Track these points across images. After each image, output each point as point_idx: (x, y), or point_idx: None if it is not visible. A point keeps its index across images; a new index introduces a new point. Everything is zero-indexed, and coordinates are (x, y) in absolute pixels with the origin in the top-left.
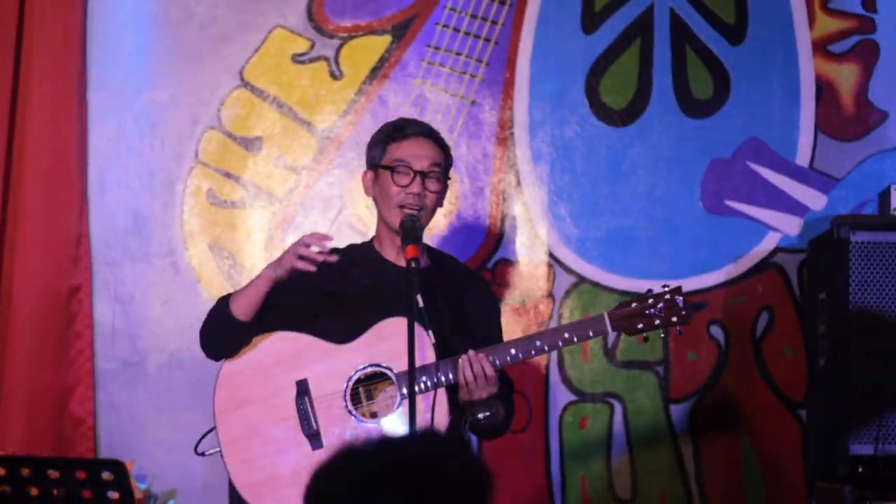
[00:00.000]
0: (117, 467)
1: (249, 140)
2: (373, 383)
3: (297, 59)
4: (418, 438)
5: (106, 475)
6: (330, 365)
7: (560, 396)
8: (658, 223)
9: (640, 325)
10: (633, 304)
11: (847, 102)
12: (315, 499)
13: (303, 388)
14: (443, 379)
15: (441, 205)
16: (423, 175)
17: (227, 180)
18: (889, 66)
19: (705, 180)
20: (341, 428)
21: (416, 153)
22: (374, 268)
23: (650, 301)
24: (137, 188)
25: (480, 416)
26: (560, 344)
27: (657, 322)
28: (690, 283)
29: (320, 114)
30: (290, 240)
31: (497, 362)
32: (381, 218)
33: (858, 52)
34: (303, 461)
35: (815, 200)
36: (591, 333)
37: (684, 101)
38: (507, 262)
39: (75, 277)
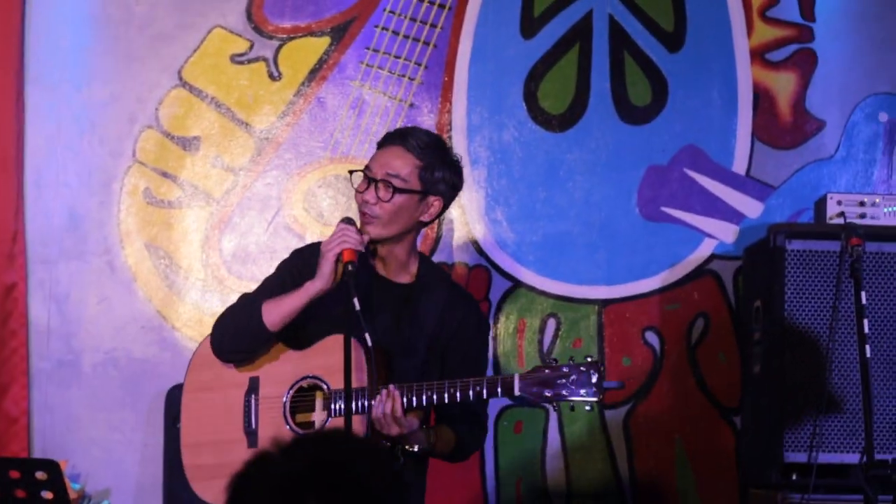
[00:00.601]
0: (51, 467)
1: (187, 140)
2: (312, 395)
3: (236, 59)
4: (329, 441)
5: (40, 475)
6: (280, 368)
7: (496, 401)
8: (595, 228)
9: (549, 394)
10: (546, 371)
11: (784, 111)
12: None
13: (253, 385)
14: (363, 405)
15: (421, 218)
16: (376, 182)
17: (164, 180)
18: (826, 75)
19: (642, 186)
20: (275, 432)
21: (380, 160)
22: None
23: (564, 370)
24: (74, 186)
25: (415, 449)
26: (471, 395)
27: (564, 393)
28: (626, 289)
29: (258, 114)
30: (227, 240)
31: (414, 401)
32: None
33: (796, 61)
34: (236, 456)
35: (751, 208)
36: (499, 391)
37: (622, 107)
38: (444, 266)
39: (10, 275)
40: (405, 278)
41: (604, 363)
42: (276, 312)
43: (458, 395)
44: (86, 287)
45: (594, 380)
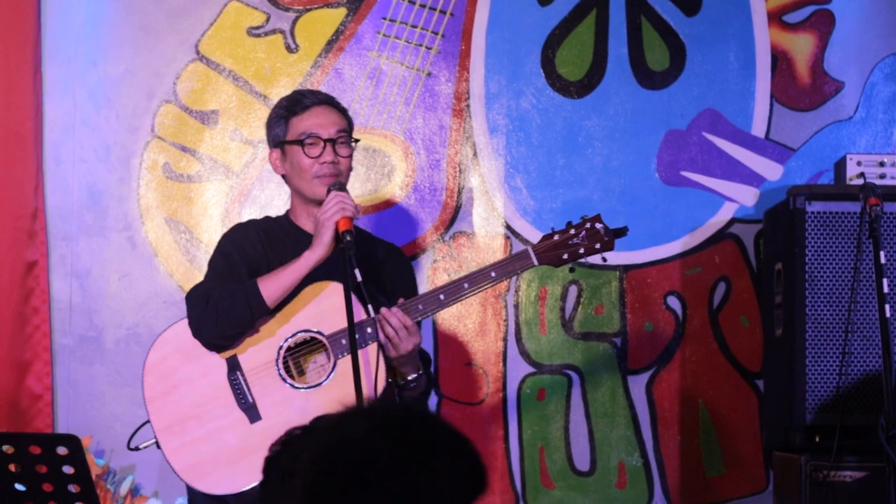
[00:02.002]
0: (72, 442)
1: (205, 114)
2: (303, 349)
3: (253, 32)
4: (361, 418)
5: (61, 450)
6: (257, 337)
7: (518, 369)
8: (614, 194)
9: (566, 256)
10: (556, 236)
11: (802, 73)
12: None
13: (233, 364)
14: (370, 332)
15: (351, 168)
16: (333, 142)
17: (183, 154)
18: (844, 36)
19: (661, 151)
20: (278, 396)
21: (320, 122)
22: (293, 240)
23: (572, 231)
24: (93, 162)
25: (410, 377)
26: (486, 283)
27: (581, 251)
28: (647, 255)
29: (276, 87)
30: (247, 213)
31: (426, 310)
32: (296, 193)
33: (814, 23)
34: (244, 434)
35: (771, 171)
36: (517, 269)
37: (640, 72)
38: (464, 234)
39: (31, 252)
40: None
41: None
42: (275, 288)
43: (472, 288)
44: (107, 263)
45: (600, 229)
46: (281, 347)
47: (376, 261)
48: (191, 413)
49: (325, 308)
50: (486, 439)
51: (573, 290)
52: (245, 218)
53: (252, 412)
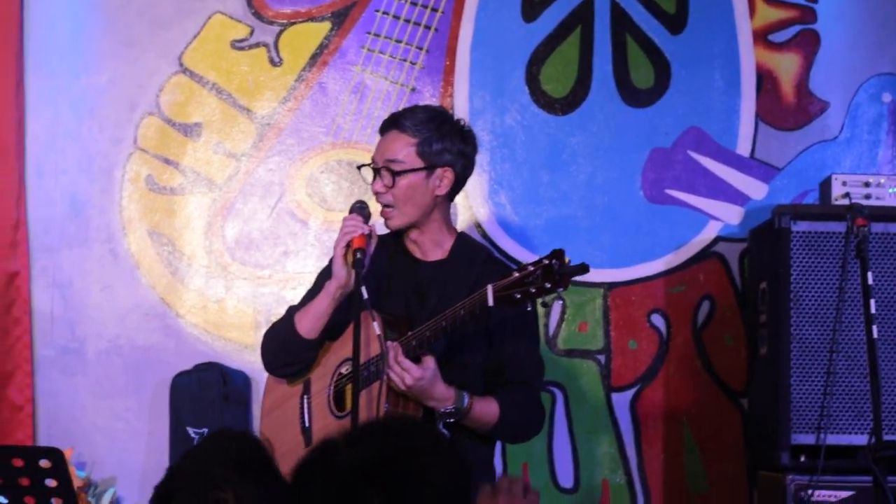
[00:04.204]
0: (55, 455)
1: (188, 126)
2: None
3: (237, 45)
4: (395, 431)
5: (43, 463)
6: (323, 363)
7: None
8: (598, 212)
9: (518, 296)
10: (515, 274)
11: (788, 92)
12: (297, 494)
13: (306, 387)
14: (375, 369)
15: (437, 193)
16: (379, 172)
17: (166, 166)
18: (830, 56)
19: (646, 169)
20: (323, 422)
21: (379, 149)
22: (399, 261)
23: (530, 269)
24: (75, 173)
25: (443, 410)
26: (458, 321)
27: (532, 290)
28: (631, 272)
29: (260, 100)
30: (230, 226)
31: (417, 345)
32: None
33: (799, 42)
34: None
35: (755, 190)
36: (476, 308)
37: (625, 89)
38: None
39: (13, 263)
40: (437, 255)
41: (563, 261)
42: (305, 319)
43: (446, 324)
44: (89, 274)
45: (555, 267)
46: (334, 373)
47: (471, 278)
48: (278, 431)
49: (368, 336)
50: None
51: (557, 307)
52: (227, 230)
53: (307, 436)
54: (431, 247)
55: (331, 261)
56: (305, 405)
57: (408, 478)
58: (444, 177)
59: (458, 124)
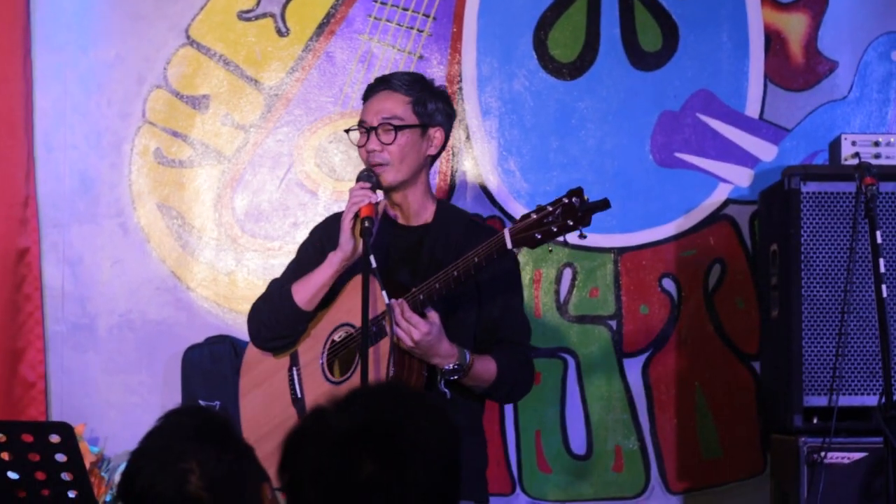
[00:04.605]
0: (64, 430)
1: (196, 98)
2: (349, 342)
3: (243, 16)
4: (385, 396)
5: (53, 438)
6: (313, 333)
7: None
8: (608, 176)
9: (538, 236)
10: (533, 216)
11: (796, 52)
12: (288, 463)
13: (294, 359)
14: (384, 323)
15: (428, 153)
16: (374, 130)
17: (174, 139)
18: (838, 15)
19: (655, 133)
20: (320, 391)
21: (371, 109)
22: (381, 226)
23: (549, 208)
24: (84, 148)
25: (446, 367)
26: (472, 269)
27: (554, 229)
28: (641, 237)
29: (267, 71)
30: (239, 198)
31: (424, 299)
32: None
33: (807, 2)
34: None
35: (765, 151)
36: (494, 253)
37: (633, 53)
38: None
39: (23, 240)
40: (422, 220)
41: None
42: (304, 291)
43: (458, 274)
44: (99, 249)
45: (576, 204)
46: (327, 341)
47: (458, 240)
48: (264, 407)
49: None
50: (484, 422)
51: (568, 272)
52: (237, 202)
53: (299, 406)
54: (416, 211)
55: (312, 232)
56: (296, 377)
57: (399, 442)
58: (436, 136)
59: (441, 87)
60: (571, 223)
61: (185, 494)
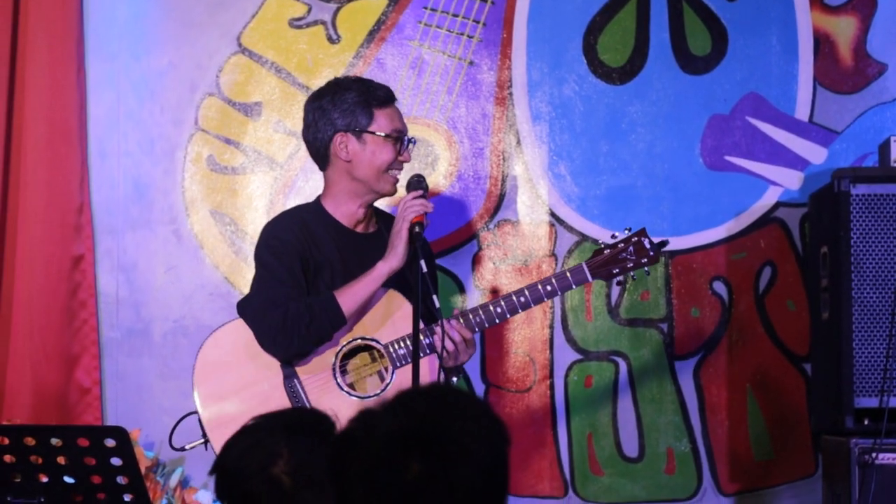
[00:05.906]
0: (120, 434)
1: (248, 106)
2: (356, 357)
3: (295, 23)
4: (434, 399)
5: (109, 442)
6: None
7: (565, 356)
8: (658, 180)
9: (616, 270)
10: (606, 251)
11: (845, 55)
12: (336, 464)
13: (289, 371)
14: (427, 342)
15: None
16: (411, 141)
17: (227, 146)
18: (887, 18)
19: (705, 136)
20: (334, 404)
21: (401, 120)
22: (331, 231)
23: (621, 245)
24: (138, 155)
25: (454, 380)
26: (543, 296)
27: (630, 265)
28: (691, 240)
29: (319, 78)
30: (292, 204)
31: (484, 322)
32: (353, 181)
33: (856, 5)
34: None
35: (815, 154)
36: (573, 284)
37: (682, 57)
38: (509, 223)
39: (78, 247)
40: (372, 227)
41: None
42: (352, 302)
43: (529, 301)
44: (153, 256)
45: (646, 245)
46: (337, 354)
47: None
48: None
49: (378, 316)
50: (534, 427)
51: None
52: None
53: None
54: (370, 218)
55: (279, 237)
56: (299, 388)
57: (447, 443)
58: None
59: None
60: (645, 261)
61: (268, 475)
